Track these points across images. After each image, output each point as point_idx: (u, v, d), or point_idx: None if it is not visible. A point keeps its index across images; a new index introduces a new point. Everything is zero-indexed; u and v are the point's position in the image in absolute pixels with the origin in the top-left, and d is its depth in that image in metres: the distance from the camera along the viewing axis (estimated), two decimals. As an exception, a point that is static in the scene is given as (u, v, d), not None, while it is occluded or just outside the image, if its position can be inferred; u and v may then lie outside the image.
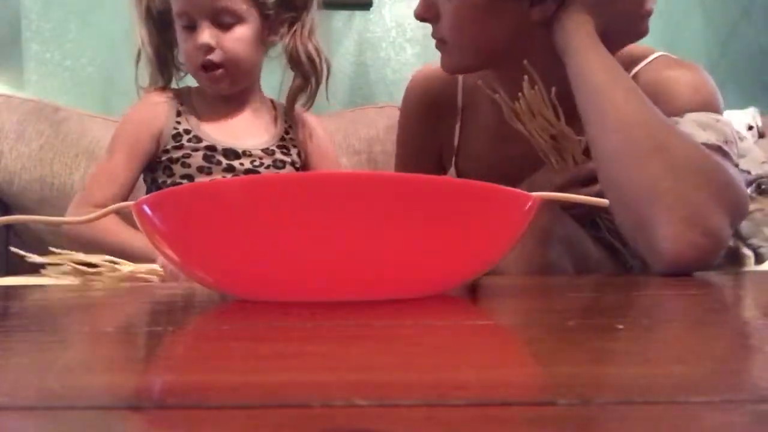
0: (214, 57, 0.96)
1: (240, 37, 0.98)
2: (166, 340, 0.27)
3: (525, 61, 0.71)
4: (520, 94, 0.73)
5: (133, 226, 0.80)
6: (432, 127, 0.90)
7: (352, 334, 0.26)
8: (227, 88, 1.01)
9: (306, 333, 0.27)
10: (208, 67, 0.97)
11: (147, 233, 0.38)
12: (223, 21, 0.96)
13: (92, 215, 0.46)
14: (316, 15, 1.05)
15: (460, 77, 0.88)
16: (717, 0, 1.97)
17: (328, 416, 0.14)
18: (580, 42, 0.66)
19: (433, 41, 0.76)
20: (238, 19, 0.97)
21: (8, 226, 1.35)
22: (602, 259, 0.77)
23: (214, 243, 0.35)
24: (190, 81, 1.08)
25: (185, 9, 0.96)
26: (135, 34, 1.01)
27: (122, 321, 0.36)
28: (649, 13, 0.71)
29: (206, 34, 0.95)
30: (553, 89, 0.71)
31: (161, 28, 1.02)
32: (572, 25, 0.67)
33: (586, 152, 0.73)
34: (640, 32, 0.72)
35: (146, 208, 0.36)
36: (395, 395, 0.16)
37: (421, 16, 0.76)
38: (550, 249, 0.66)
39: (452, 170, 0.90)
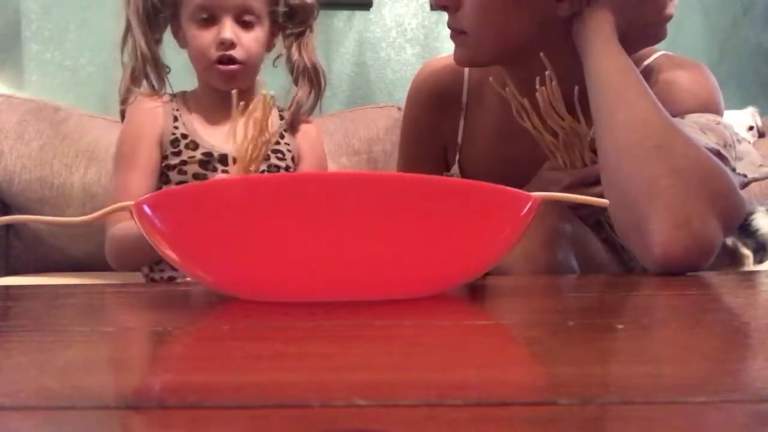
0: (237, 54, 0.97)
1: (257, 37, 1.00)
2: (166, 340, 0.27)
3: (542, 54, 0.71)
4: (537, 88, 0.73)
5: None
6: (436, 122, 0.90)
7: (352, 334, 0.26)
8: (238, 87, 1.01)
9: (306, 333, 0.27)
10: (224, 62, 0.98)
11: (147, 233, 0.38)
12: (245, 20, 0.99)
13: (92, 215, 0.46)
14: (315, 28, 1.08)
15: (466, 74, 0.88)
16: (717, 0, 1.97)
17: (328, 416, 0.14)
18: (599, 39, 0.67)
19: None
20: (257, 20, 1.00)
21: (8, 226, 1.35)
22: (607, 259, 0.77)
23: (214, 243, 0.35)
24: (177, 86, 1.08)
25: (209, 3, 0.97)
26: (120, 39, 1.00)
27: (122, 321, 0.36)
28: (668, 18, 0.71)
29: (230, 30, 0.97)
30: (576, 88, 0.71)
31: (153, 29, 1.02)
32: (594, 22, 0.68)
33: (593, 150, 0.73)
34: (659, 36, 0.73)
35: (146, 208, 0.36)
36: (395, 395, 0.16)
37: (441, 3, 0.74)
38: (557, 249, 0.66)
39: (455, 168, 0.90)
